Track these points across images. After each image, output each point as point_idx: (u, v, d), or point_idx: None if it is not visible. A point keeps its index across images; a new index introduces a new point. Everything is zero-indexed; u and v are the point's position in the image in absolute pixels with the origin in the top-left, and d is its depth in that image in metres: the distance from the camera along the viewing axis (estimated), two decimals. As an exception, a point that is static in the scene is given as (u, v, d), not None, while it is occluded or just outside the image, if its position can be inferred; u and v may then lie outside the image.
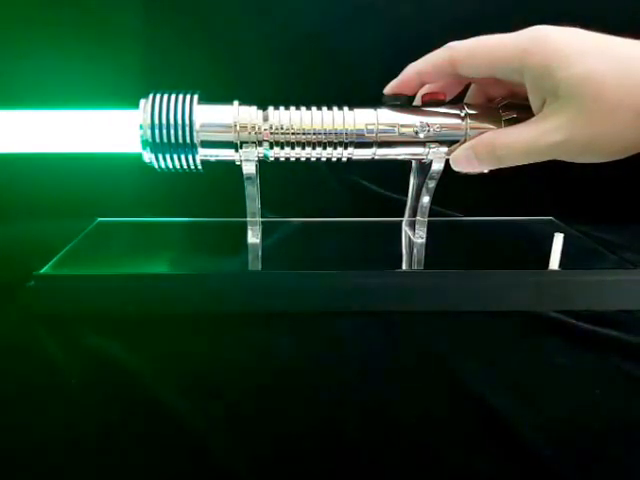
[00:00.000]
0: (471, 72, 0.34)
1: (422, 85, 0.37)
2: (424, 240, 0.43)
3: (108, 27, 0.51)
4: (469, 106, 0.37)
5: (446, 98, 0.37)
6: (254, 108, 0.37)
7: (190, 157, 0.36)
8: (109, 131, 0.37)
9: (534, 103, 0.32)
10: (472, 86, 0.38)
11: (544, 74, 0.30)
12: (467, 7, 0.51)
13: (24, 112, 0.37)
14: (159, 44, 0.52)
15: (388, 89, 0.37)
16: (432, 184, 0.40)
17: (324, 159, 0.38)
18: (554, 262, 0.40)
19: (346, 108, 0.37)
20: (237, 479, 0.25)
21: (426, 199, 0.41)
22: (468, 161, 0.34)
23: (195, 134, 0.35)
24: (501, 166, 0.33)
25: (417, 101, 0.38)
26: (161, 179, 0.39)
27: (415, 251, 0.43)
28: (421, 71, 0.35)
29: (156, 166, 0.37)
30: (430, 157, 0.38)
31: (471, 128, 0.36)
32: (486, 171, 0.37)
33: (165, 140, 0.35)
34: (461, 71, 0.34)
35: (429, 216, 0.43)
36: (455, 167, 0.36)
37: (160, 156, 0.36)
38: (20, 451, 0.26)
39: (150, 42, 0.52)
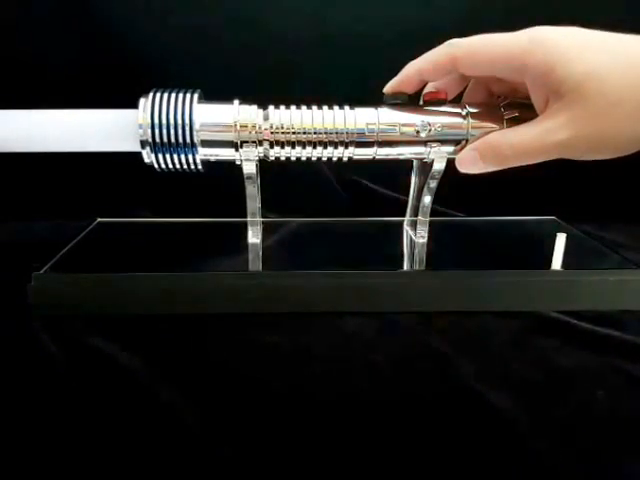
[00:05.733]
0: (471, 70, 0.33)
1: (422, 83, 0.36)
2: (425, 240, 0.43)
3: (109, 25, 0.51)
4: (470, 105, 0.37)
5: (447, 97, 0.37)
6: (254, 107, 0.36)
7: (190, 157, 0.36)
8: (109, 131, 0.37)
9: (537, 102, 0.32)
10: (472, 81, 0.38)
11: (546, 72, 0.30)
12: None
13: (24, 112, 0.37)
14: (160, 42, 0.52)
15: (388, 88, 0.37)
16: (433, 184, 0.40)
17: (325, 159, 0.38)
18: (557, 262, 0.40)
19: (347, 107, 0.37)
20: (236, 477, 0.25)
21: (427, 199, 0.41)
22: (473, 162, 0.34)
23: (195, 133, 0.35)
24: (506, 167, 0.33)
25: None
26: (161, 179, 0.39)
27: (416, 251, 0.43)
28: (421, 69, 0.35)
29: (156, 166, 0.37)
30: (431, 157, 0.38)
31: (473, 127, 0.36)
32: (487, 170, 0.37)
33: (165, 140, 0.35)
34: (461, 69, 0.33)
35: (430, 216, 0.42)
36: (460, 169, 0.35)
37: (160, 156, 0.36)
38: (20, 451, 0.26)
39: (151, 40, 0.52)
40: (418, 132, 0.36)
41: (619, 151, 0.31)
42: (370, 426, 0.28)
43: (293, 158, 0.38)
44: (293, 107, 0.37)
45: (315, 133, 0.36)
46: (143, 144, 0.35)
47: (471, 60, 0.33)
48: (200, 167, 0.37)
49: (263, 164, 0.38)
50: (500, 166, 0.33)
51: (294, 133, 0.36)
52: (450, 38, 0.34)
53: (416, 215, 0.43)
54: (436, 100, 0.36)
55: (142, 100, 0.35)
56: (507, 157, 0.32)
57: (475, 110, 0.36)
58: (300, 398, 0.30)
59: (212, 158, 0.37)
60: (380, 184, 0.58)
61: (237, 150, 0.36)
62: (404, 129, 0.36)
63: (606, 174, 0.53)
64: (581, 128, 0.29)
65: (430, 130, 0.36)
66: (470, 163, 0.34)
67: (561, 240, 0.41)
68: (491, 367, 0.33)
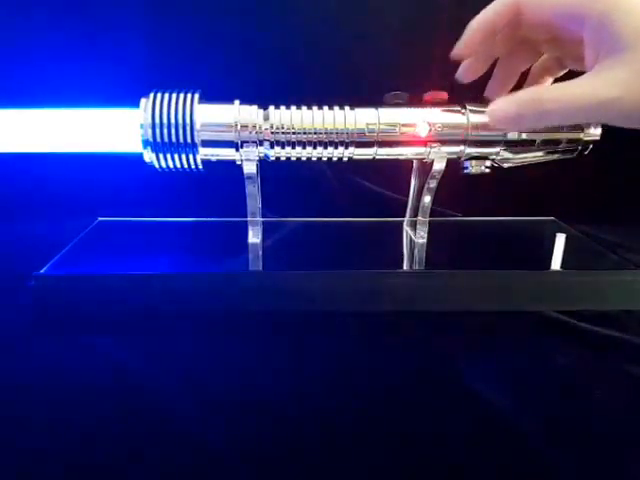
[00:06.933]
0: (533, 17, 0.31)
1: (487, 38, 0.33)
2: (425, 240, 0.43)
3: (110, 26, 0.51)
4: (471, 105, 0.37)
5: (448, 98, 0.37)
6: (255, 107, 0.36)
7: (191, 156, 0.36)
8: (109, 131, 0.37)
9: (588, 57, 0.29)
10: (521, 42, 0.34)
11: (605, 23, 0.28)
12: None
13: (24, 112, 0.37)
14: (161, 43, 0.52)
15: (456, 50, 0.33)
16: (433, 184, 0.40)
17: (325, 159, 0.38)
18: (556, 262, 0.40)
19: (347, 107, 0.37)
20: (235, 477, 0.25)
21: (427, 199, 0.41)
22: (507, 115, 0.30)
23: (196, 133, 0.35)
24: (544, 124, 0.30)
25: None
26: (161, 179, 0.39)
27: (416, 251, 0.43)
28: (486, 18, 0.32)
29: (156, 166, 0.37)
30: (431, 157, 0.38)
31: (473, 127, 0.36)
32: (487, 170, 0.37)
33: (166, 139, 0.35)
34: (526, 17, 0.31)
35: (430, 216, 0.42)
36: (492, 122, 0.31)
37: (161, 155, 0.36)
38: (19, 451, 0.26)
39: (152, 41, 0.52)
40: (418, 132, 0.36)
41: None
42: (370, 426, 0.28)
43: (293, 158, 0.38)
44: (293, 107, 0.37)
45: (315, 133, 0.36)
46: (144, 144, 0.35)
47: (534, 6, 0.31)
48: (201, 167, 0.37)
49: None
50: (538, 123, 0.30)
51: (294, 133, 0.36)
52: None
53: (416, 215, 0.43)
54: (437, 100, 0.36)
55: (143, 100, 0.35)
56: (548, 112, 0.29)
57: (475, 110, 0.36)
58: (300, 398, 0.30)
59: (212, 158, 0.37)
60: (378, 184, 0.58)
61: (237, 150, 0.36)
62: (404, 129, 0.36)
63: (605, 174, 0.53)
64: (635, 88, 0.27)
65: (430, 130, 0.36)
66: (504, 116, 0.30)
67: (560, 241, 0.41)
68: (490, 367, 0.33)
